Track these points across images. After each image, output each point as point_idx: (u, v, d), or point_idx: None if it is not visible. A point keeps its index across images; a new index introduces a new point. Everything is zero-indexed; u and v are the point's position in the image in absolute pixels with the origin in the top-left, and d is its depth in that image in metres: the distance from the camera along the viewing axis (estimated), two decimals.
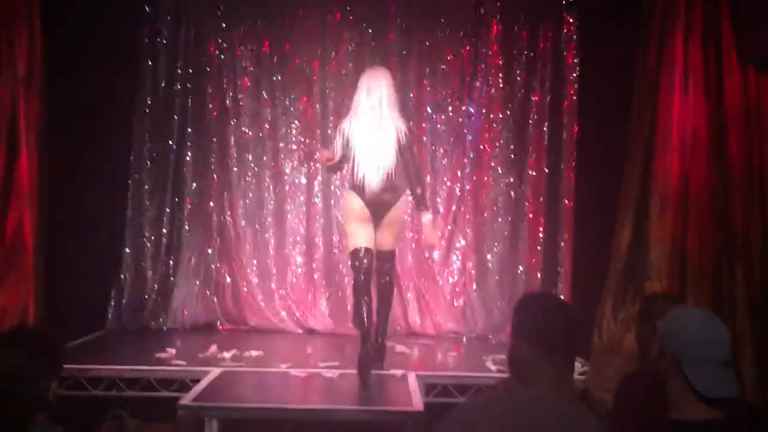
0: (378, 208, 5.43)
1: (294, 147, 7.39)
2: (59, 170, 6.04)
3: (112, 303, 7.03)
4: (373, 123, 5.42)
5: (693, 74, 5.36)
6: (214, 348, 5.95)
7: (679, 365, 2.40)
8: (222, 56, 7.37)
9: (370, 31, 7.36)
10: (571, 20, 7.11)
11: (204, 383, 4.90)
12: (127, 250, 7.16)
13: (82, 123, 6.50)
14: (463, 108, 7.35)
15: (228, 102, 7.37)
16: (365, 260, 5.36)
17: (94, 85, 6.57)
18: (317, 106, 7.36)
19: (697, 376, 2.36)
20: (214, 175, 7.36)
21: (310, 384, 5.10)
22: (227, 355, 5.78)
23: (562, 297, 6.76)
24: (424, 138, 7.33)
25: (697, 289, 5.23)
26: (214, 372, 5.19)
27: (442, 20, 7.34)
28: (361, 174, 5.40)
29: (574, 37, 7.08)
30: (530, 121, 7.23)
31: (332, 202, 7.20)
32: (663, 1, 5.46)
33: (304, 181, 7.36)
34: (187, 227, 7.31)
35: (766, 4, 5.20)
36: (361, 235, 5.46)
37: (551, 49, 7.18)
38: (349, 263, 5.50)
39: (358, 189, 5.44)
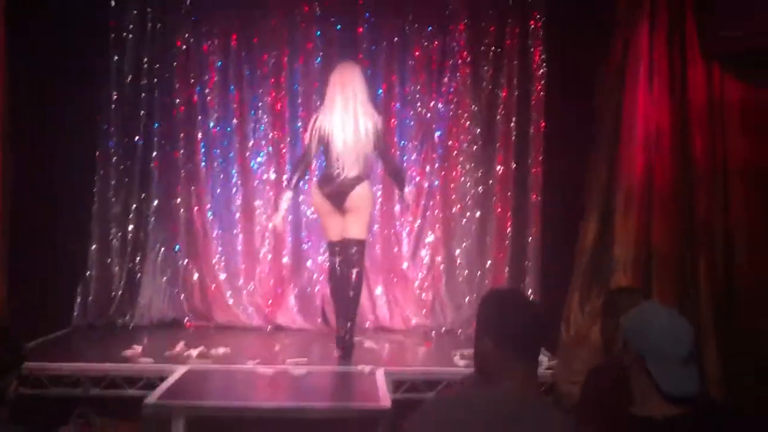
0: (340, 197, 5.60)
1: (263, 142, 7.34)
2: (24, 165, 5.96)
3: (78, 299, 6.96)
4: (348, 117, 5.57)
5: (658, 69, 5.40)
6: (180, 345, 5.91)
7: (642, 361, 2.41)
8: (189, 50, 7.30)
9: (339, 26, 7.33)
10: (537, 16, 7.12)
11: (170, 381, 4.88)
12: (94, 246, 7.07)
13: (47, 117, 6.43)
14: (432, 103, 7.34)
15: (195, 96, 7.31)
16: (338, 252, 5.71)
17: (59, 78, 6.51)
18: (286, 100, 7.32)
19: (661, 372, 2.37)
20: (182, 171, 7.29)
21: (277, 381, 5.08)
22: (194, 352, 5.73)
23: (529, 291, 6.83)
24: (393, 133, 7.32)
25: (662, 282, 5.27)
26: (181, 369, 5.16)
27: (410, 16, 7.34)
28: (339, 168, 5.57)
29: (541, 32, 7.10)
30: (498, 117, 7.25)
31: (300, 198, 7.17)
32: None
33: (273, 176, 7.31)
34: (153, 223, 7.23)
35: (731, 3, 5.24)
36: (332, 228, 5.75)
37: (518, 45, 7.20)
38: (363, 253, 5.84)
39: (326, 181, 5.63)
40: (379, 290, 7.25)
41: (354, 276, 5.73)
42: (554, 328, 5.39)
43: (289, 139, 7.29)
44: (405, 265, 7.31)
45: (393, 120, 7.34)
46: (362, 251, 5.84)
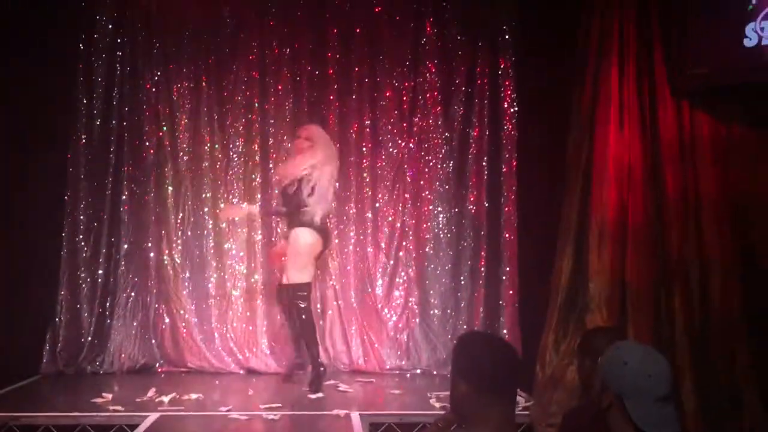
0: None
1: (234, 184, 7.30)
2: None
3: (47, 346, 6.82)
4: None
5: (628, 108, 5.44)
6: (152, 391, 5.82)
7: (621, 401, 2.39)
8: (159, 92, 7.27)
9: (309, 67, 7.34)
10: (507, 56, 7.17)
11: (142, 428, 4.80)
12: (62, 292, 6.95)
13: (15, 160, 6.38)
14: (403, 143, 7.35)
15: (166, 139, 7.26)
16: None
17: (28, 120, 6.48)
18: (257, 141, 7.30)
19: (639, 412, 2.35)
20: (152, 214, 7.22)
21: (251, 427, 5.02)
22: (165, 399, 5.65)
23: (504, 331, 6.80)
24: (365, 173, 7.31)
25: (637, 320, 5.26)
26: (152, 417, 5.08)
27: (381, 56, 7.36)
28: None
29: (511, 72, 7.15)
30: (470, 156, 7.27)
31: (273, 238, 7.12)
32: (597, 37, 5.55)
33: (244, 218, 7.25)
34: (123, 267, 7.13)
35: (696, 40, 5.32)
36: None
37: (489, 85, 7.24)
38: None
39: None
40: (353, 332, 7.17)
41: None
42: (530, 369, 5.36)
43: (260, 180, 7.25)
44: (379, 307, 7.24)
45: (364, 160, 7.34)
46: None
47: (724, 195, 5.35)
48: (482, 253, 7.18)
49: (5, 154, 6.21)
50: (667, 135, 5.42)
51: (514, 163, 7.06)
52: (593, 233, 5.39)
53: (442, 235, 7.30)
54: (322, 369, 6.28)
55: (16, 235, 6.43)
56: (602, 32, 5.53)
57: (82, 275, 7.03)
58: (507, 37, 7.19)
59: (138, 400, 5.67)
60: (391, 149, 7.37)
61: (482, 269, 7.17)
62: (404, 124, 7.37)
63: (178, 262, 7.20)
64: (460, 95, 7.31)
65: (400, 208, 7.36)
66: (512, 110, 7.14)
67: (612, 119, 5.44)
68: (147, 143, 7.25)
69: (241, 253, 7.19)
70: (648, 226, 5.38)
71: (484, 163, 7.23)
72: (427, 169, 7.34)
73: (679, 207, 5.39)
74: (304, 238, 6.19)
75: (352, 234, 7.30)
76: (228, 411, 5.33)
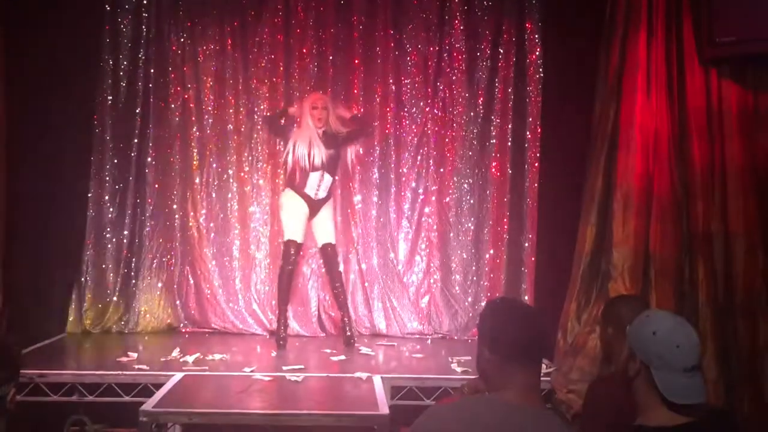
0: None
1: (259, 147, 7.32)
2: (18, 170, 5.94)
3: (73, 305, 6.91)
4: None
5: (655, 76, 5.42)
6: (176, 351, 5.89)
7: (648, 370, 2.40)
8: (184, 54, 7.28)
9: (333, 30, 7.31)
10: (533, 21, 7.11)
11: (166, 388, 4.86)
12: (89, 252, 7.03)
13: (42, 122, 6.42)
14: (427, 108, 7.33)
15: (191, 101, 7.28)
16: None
17: (53, 83, 6.50)
18: (281, 104, 7.30)
19: (666, 382, 2.36)
20: (177, 176, 7.26)
21: (274, 388, 5.06)
22: (190, 359, 5.72)
23: (525, 298, 6.81)
24: (388, 138, 7.31)
25: (660, 289, 5.28)
26: (177, 376, 5.14)
27: (406, 20, 7.31)
28: None
29: (537, 37, 7.09)
30: (494, 122, 7.23)
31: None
32: (626, 2, 5.49)
33: (268, 181, 7.28)
34: (149, 228, 7.20)
35: (724, 8, 5.25)
36: None
37: (514, 50, 7.17)
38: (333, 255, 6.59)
39: None
40: (375, 296, 7.22)
41: None
42: (551, 336, 5.39)
43: (284, 143, 7.26)
44: (401, 271, 7.27)
45: (388, 125, 7.32)
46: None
47: (751, 166, 5.32)
48: (505, 220, 7.17)
49: (32, 117, 6.24)
50: (695, 104, 5.39)
51: (539, 129, 7.01)
52: (618, 201, 5.39)
53: (464, 201, 7.29)
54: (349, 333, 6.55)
55: (43, 195, 6.48)
56: None
57: (108, 236, 7.09)
58: (533, 1, 7.12)
59: (162, 359, 5.74)
60: (415, 114, 7.35)
61: (504, 236, 7.17)
62: (428, 89, 7.33)
63: (203, 224, 7.26)
64: (485, 60, 7.25)
65: (423, 174, 7.35)
66: (537, 76, 7.07)
67: (639, 87, 5.41)
68: (172, 105, 7.27)
69: (266, 216, 7.22)
70: (673, 196, 5.38)
71: (508, 129, 7.19)
72: (451, 135, 7.31)
73: (705, 177, 5.37)
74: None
75: (374, 199, 7.30)
76: (252, 372, 5.39)
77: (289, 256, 6.46)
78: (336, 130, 6.64)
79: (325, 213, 6.61)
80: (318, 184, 6.46)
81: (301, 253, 6.92)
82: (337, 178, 6.85)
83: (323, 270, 6.96)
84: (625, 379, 2.48)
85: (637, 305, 3.40)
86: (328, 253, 6.56)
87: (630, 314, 2.80)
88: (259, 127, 7.27)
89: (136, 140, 7.17)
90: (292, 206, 6.50)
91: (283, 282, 6.50)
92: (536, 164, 7.01)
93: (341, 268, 6.90)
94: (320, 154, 6.39)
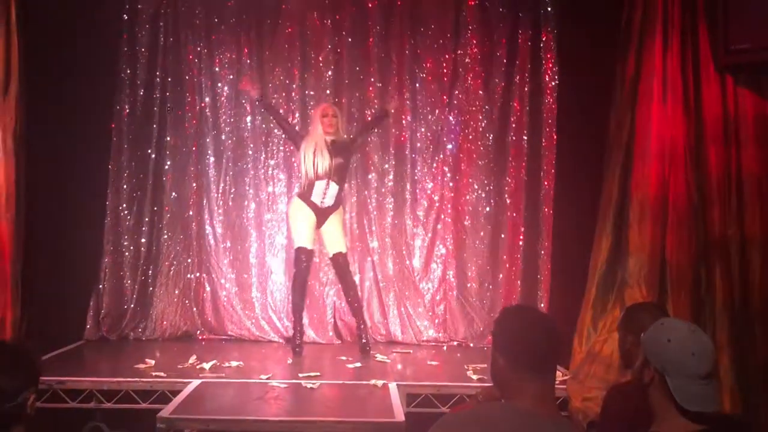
0: None
1: (274, 155, 7.35)
2: (37, 178, 5.99)
3: (91, 312, 6.96)
4: None
5: (671, 84, 5.41)
6: (193, 358, 5.93)
7: (662, 378, 2.40)
8: (201, 63, 7.33)
9: (349, 39, 7.34)
10: (549, 28, 7.12)
11: (183, 395, 4.88)
12: (106, 259, 7.08)
13: (60, 130, 6.48)
14: (443, 116, 7.34)
15: (207, 110, 7.33)
16: None
17: (72, 92, 6.55)
18: (297, 114, 7.34)
19: (681, 389, 2.36)
20: (193, 183, 7.31)
21: (290, 395, 5.07)
22: (206, 366, 5.74)
23: (541, 305, 6.80)
24: (404, 146, 7.33)
25: (677, 296, 5.27)
26: (194, 383, 5.16)
27: (422, 28, 7.34)
28: None
29: (553, 45, 7.10)
30: (509, 129, 7.24)
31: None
32: (641, 11, 5.49)
33: (284, 189, 7.32)
34: (166, 236, 7.25)
35: (740, 16, 5.24)
36: None
37: (530, 58, 7.20)
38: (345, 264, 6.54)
39: None
40: (390, 304, 7.23)
41: None
42: (567, 343, 5.38)
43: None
44: (417, 278, 7.28)
45: (404, 133, 7.34)
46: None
47: (766, 172, 5.31)
48: (520, 227, 7.18)
49: (50, 124, 6.29)
50: (711, 111, 5.38)
51: (554, 137, 7.03)
52: (634, 209, 5.39)
53: (480, 209, 7.29)
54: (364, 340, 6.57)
55: (62, 204, 6.54)
56: (646, 6, 5.49)
57: (125, 243, 7.15)
58: (549, 9, 7.14)
59: (180, 366, 5.76)
60: (430, 122, 7.37)
61: (520, 243, 7.17)
62: (444, 97, 7.35)
63: (219, 231, 7.30)
64: (501, 68, 7.27)
65: (438, 181, 7.36)
66: (553, 83, 7.10)
67: (655, 95, 5.41)
68: (189, 114, 7.32)
69: (282, 224, 7.25)
70: (689, 203, 5.36)
71: (523, 137, 7.20)
72: (466, 143, 7.32)
73: (721, 184, 5.36)
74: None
75: (390, 206, 7.33)
76: (268, 379, 5.41)
77: (301, 263, 6.46)
78: (347, 138, 6.65)
79: (334, 221, 6.55)
80: (324, 192, 6.42)
81: (317, 259, 6.95)
82: (346, 186, 6.86)
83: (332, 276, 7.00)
84: (639, 387, 2.48)
85: (656, 312, 3.40)
86: (339, 262, 6.55)
87: (650, 321, 2.79)
88: (274, 135, 7.31)
89: (153, 148, 7.23)
90: (300, 214, 6.50)
91: (297, 289, 6.49)
92: (552, 172, 7.02)
93: (355, 276, 6.92)
94: (324, 162, 6.34)
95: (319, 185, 6.40)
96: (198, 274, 7.31)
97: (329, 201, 6.46)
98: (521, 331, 2.42)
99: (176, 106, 7.30)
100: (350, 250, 7.06)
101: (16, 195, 5.65)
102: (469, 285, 7.24)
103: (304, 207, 6.46)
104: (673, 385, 2.37)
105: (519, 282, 7.14)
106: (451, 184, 7.34)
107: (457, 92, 7.33)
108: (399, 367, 6.13)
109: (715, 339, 5.14)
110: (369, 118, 6.99)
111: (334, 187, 6.44)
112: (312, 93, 7.35)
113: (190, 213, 7.32)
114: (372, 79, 7.34)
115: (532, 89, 7.19)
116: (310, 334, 7.05)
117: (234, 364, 5.91)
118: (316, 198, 6.42)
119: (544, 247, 7.03)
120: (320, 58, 7.36)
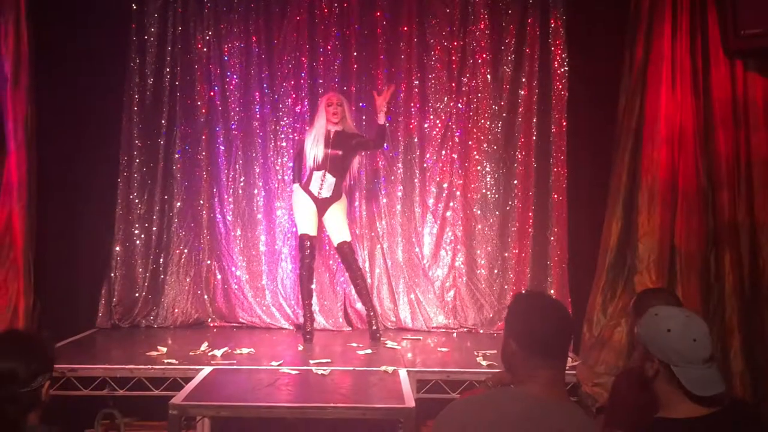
0: None
1: (284, 143, 7.37)
2: (48, 167, 6.02)
3: (102, 300, 7.01)
4: None
5: (680, 68, 5.39)
6: (205, 346, 5.96)
7: (668, 369, 2.41)
8: (210, 52, 7.35)
9: (357, 26, 7.34)
10: (558, 14, 7.10)
11: (195, 382, 4.90)
12: (117, 248, 7.13)
13: (70, 120, 6.51)
14: (452, 103, 7.34)
15: (216, 98, 7.35)
16: None
17: (82, 81, 6.57)
18: (306, 101, 7.35)
19: (690, 376, 2.38)
20: (204, 172, 7.34)
21: (301, 382, 5.10)
22: (218, 353, 5.78)
23: (551, 291, 6.81)
24: (413, 133, 7.33)
25: (686, 281, 5.26)
26: (205, 370, 5.19)
27: (430, 16, 7.33)
28: None
29: (562, 31, 7.08)
30: (519, 116, 7.23)
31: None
32: None
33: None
34: (176, 224, 7.29)
35: (752, 1, 5.22)
36: None
37: (539, 44, 7.17)
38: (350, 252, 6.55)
39: None
40: (400, 291, 7.25)
41: None
42: (577, 329, 5.39)
43: None
44: (426, 266, 7.29)
45: (413, 120, 7.34)
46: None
47: None
48: (530, 214, 7.17)
49: (61, 114, 6.31)
50: (720, 96, 5.36)
51: (564, 124, 7.01)
52: (643, 194, 5.37)
53: (489, 196, 7.29)
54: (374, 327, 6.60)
55: (73, 192, 6.58)
56: None
57: (136, 231, 7.20)
58: None
59: (191, 353, 5.79)
60: (439, 109, 7.37)
61: (530, 230, 7.17)
62: (453, 84, 7.34)
63: (230, 219, 7.33)
64: (510, 54, 7.25)
65: (447, 168, 7.36)
66: (562, 70, 7.08)
67: (664, 79, 5.39)
68: (198, 103, 7.34)
69: (291, 211, 7.25)
70: (698, 188, 5.36)
71: (533, 123, 7.19)
72: (475, 129, 7.31)
73: (730, 168, 5.35)
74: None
75: (399, 194, 7.33)
76: (279, 366, 5.43)
77: (305, 249, 6.48)
78: (351, 131, 6.61)
79: (336, 211, 6.56)
80: (320, 183, 6.44)
81: (326, 247, 6.98)
82: (355, 174, 6.90)
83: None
84: (642, 380, 2.50)
85: (666, 297, 3.41)
86: (344, 251, 6.56)
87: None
88: (283, 123, 7.33)
89: (163, 137, 7.26)
90: (300, 202, 6.54)
91: (304, 276, 6.52)
92: (561, 158, 7.01)
93: (365, 264, 6.94)
94: (320, 153, 6.37)
95: (317, 175, 6.44)
96: (209, 262, 7.35)
97: (326, 192, 6.47)
98: (534, 316, 2.43)
99: (185, 96, 7.32)
100: (360, 237, 7.12)
101: (27, 185, 5.67)
102: (478, 272, 7.24)
103: (304, 195, 6.51)
104: (681, 373, 2.39)
105: (528, 268, 7.14)
106: (460, 171, 7.33)
107: (465, 79, 7.32)
108: (409, 353, 6.15)
109: (725, 324, 5.15)
110: (367, 138, 6.67)
111: (330, 179, 6.45)
112: (321, 81, 7.35)
113: (201, 201, 7.35)
114: (380, 67, 7.34)
115: (542, 76, 7.16)
116: (320, 321, 7.09)
117: (245, 351, 5.94)
118: (313, 188, 6.46)
119: (554, 233, 7.03)
120: (329, 47, 7.36)
